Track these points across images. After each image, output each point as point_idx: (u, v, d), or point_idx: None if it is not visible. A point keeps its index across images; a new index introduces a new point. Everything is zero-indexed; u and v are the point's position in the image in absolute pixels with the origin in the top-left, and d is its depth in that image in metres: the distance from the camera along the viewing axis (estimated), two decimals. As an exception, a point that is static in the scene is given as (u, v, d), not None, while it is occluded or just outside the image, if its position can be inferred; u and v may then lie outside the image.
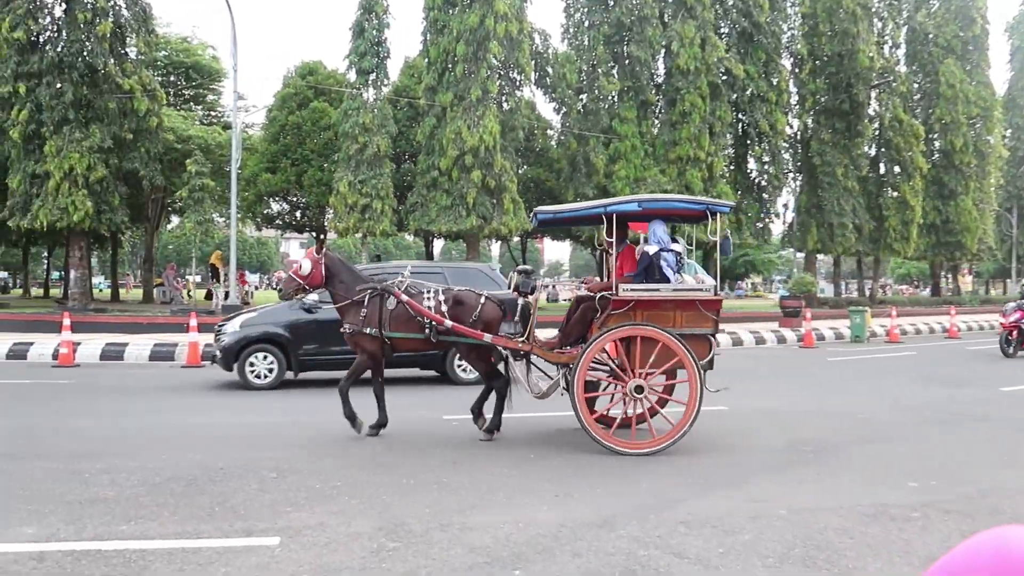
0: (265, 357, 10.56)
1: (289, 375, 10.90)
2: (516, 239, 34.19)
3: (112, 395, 9.91)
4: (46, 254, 67.46)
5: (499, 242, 36.91)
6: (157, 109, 26.15)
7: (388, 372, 9.87)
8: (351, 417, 7.27)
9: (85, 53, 24.59)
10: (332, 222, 26.96)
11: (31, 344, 15.31)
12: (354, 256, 73.23)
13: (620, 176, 27.56)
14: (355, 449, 6.72)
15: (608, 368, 7.07)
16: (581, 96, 29.24)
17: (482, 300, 7.33)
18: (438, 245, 51.24)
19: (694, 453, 6.59)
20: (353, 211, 25.50)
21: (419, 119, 28.50)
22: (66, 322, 14.34)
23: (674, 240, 7.14)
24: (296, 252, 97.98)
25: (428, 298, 7.32)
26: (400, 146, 30.15)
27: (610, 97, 28.93)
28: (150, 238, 34.27)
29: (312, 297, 10.09)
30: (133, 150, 25.93)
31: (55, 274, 64.46)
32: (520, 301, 7.32)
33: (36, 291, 60.70)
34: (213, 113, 36.23)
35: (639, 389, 6.65)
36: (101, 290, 65.75)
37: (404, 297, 7.28)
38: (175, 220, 40.69)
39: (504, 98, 27.25)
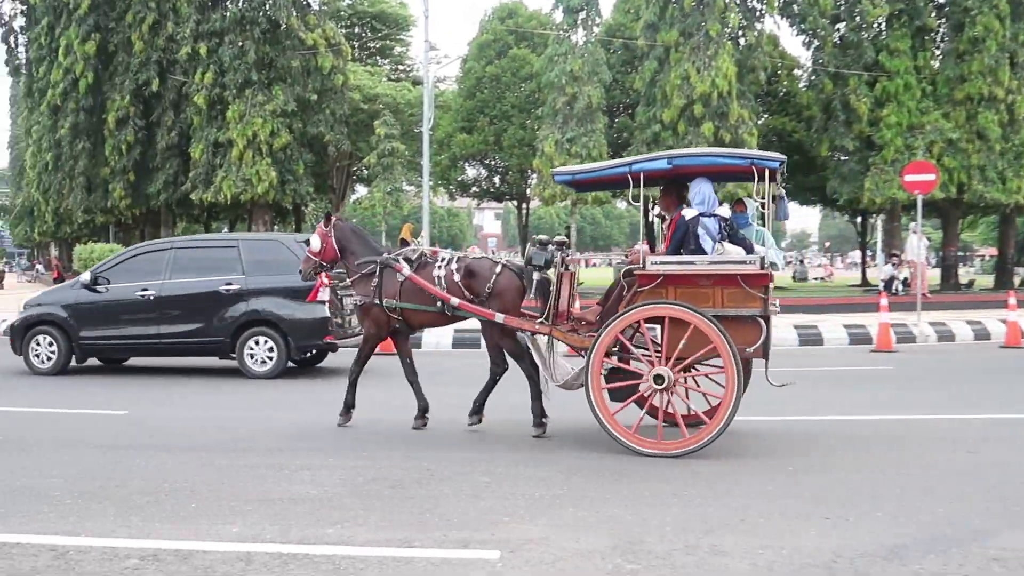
0: (49, 341, 11.48)
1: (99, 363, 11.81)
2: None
3: (317, 387, 10.74)
4: (225, 230, 74.66)
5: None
6: (342, 65, 28.02)
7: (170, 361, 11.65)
8: (349, 405, 8.01)
9: (267, 7, 26.82)
10: (535, 188, 27.53)
11: None
12: (557, 228, 74.15)
13: (889, 123, 25.77)
14: (574, 452, 6.81)
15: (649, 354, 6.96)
16: (838, 26, 27.57)
17: (497, 270, 7.66)
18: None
19: (1005, 473, 6.11)
20: (560, 175, 25.86)
21: (637, 63, 28.31)
22: None
23: (740, 202, 7.22)
24: (490, 224, 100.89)
25: (439, 267, 7.77)
26: (614, 97, 30.12)
27: (876, 25, 27.05)
28: (335, 210, 36.70)
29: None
30: (317, 112, 28.00)
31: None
32: (536, 276, 7.52)
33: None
34: (401, 67, 38.18)
35: (659, 379, 6.77)
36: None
37: (406, 270, 7.84)
38: (360, 190, 43.49)
39: (741, 33, 26.34)
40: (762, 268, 6.76)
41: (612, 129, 29.74)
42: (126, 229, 36.27)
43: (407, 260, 7.97)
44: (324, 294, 11.30)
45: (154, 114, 29.75)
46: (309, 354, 12.06)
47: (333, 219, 8.35)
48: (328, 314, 11.27)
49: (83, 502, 5.45)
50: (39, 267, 63.23)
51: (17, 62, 35.18)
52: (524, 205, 34.73)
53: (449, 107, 32.86)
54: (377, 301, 7.88)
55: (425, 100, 23.53)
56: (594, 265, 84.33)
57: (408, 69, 38.18)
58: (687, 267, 6.86)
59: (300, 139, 27.69)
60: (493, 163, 33.90)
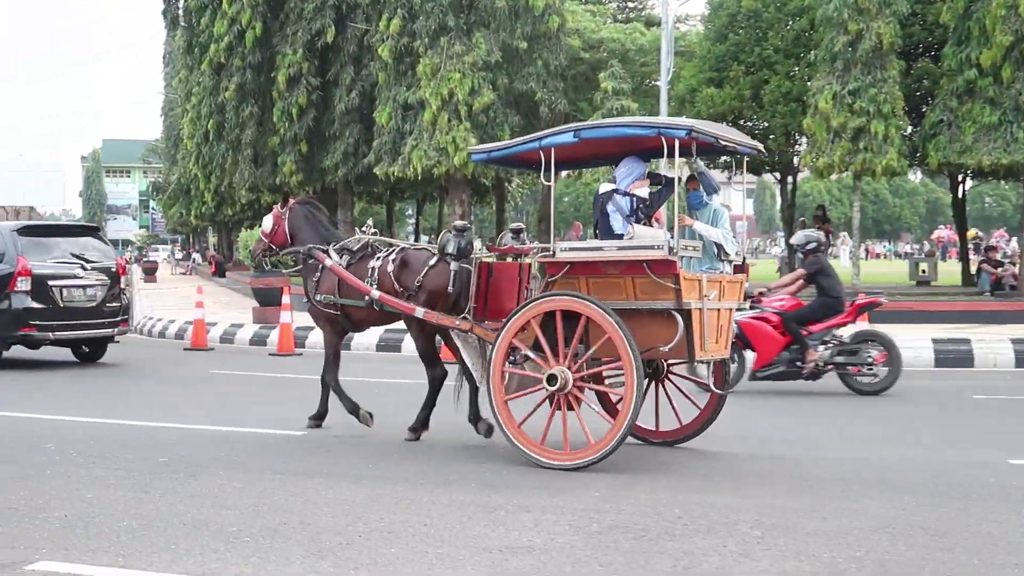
0: None
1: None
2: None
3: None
4: (412, 212, 77.77)
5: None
6: (558, 5, 28.34)
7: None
8: (353, 411, 9.36)
9: (468, -66, 27.61)
10: (806, 155, 26.79)
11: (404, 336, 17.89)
12: (832, 206, 71.87)
13: None
14: (882, 500, 6.57)
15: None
16: None
17: (432, 262, 8.92)
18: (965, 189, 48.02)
19: None
20: (840, 138, 25.04)
21: (947, -13, 26.89)
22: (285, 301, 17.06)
23: (692, 179, 8.82)
24: (737, 202, 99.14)
25: (378, 258, 9.16)
26: (913, 35, 28.72)
27: None
28: (546, 186, 37.22)
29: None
30: (527, 64, 28.52)
31: (424, 238, 73.64)
32: (453, 266, 8.78)
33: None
34: (632, 5, 38.19)
35: (552, 380, 7.82)
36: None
37: (328, 260, 9.36)
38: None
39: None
40: (671, 254, 7.66)
41: (909, 77, 28.41)
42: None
43: (347, 251, 9.38)
44: (23, 284, 14.75)
45: (331, 71, 31.40)
46: (85, 348, 16.46)
47: (291, 202, 10.02)
48: (28, 305, 14.83)
49: (265, 540, 5.81)
50: (196, 257, 68.44)
51: (175, 13, 37.84)
52: (790, 179, 33.71)
53: (693, 53, 32.54)
54: (319, 297, 9.41)
55: (663, 46, 23.46)
56: (877, 256, 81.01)
57: (640, 7, 38.21)
58: (595, 253, 7.95)
59: (505, 97, 28.34)
60: (750, 124, 33.28)
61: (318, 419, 9.67)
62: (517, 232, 9.10)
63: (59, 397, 12.45)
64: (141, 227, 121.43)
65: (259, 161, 33.40)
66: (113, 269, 16.08)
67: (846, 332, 13.05)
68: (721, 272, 8.66)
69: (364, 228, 9.68)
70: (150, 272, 50.94)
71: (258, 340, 20.65)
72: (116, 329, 16.16)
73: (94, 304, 15.62)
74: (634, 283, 7.94)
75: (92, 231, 17.68)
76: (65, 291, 15.30)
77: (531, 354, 8.11)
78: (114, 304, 15.97)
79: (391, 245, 9.39)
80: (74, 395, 12.70)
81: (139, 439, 9.05)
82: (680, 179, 8.45)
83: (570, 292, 7.98)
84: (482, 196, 43.39)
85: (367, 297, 9.05)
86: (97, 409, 11.02)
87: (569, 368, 7.85)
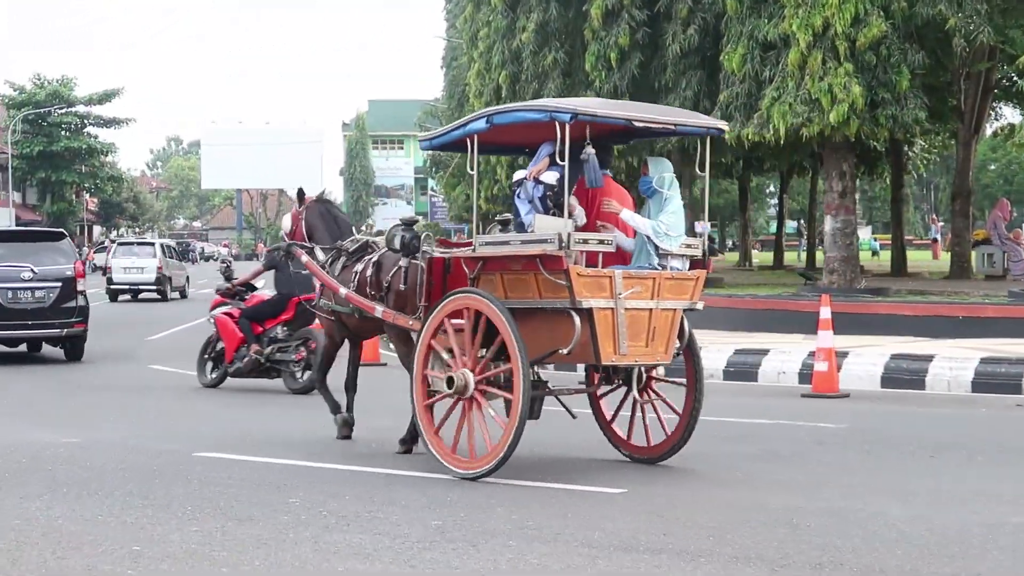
0: None
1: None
2: None
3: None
4: (773, 188, 76.85)
5: None
6: None
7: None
8: (336, 412, 12.31)
9: None
10: None
11: (763, 354, 18.00)
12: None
13: None
14: None
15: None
16: None
17: (401, 263, 11.26)
18: None
19: None
20: None
21: None
22: (824, 314, 16.24)
23: (644, 164, 10.69)
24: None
25: (364, 260, 11.81)
26: None
27: None
28: (964, 151, 35.90)
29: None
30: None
31: (790, 224, 72.86)
32: (402, 263, 11.20)
33: (763, 255, 69.32)
34: None
35: (450, 383, 10.08)
36: (876, 253, 71.72)
37: (304, 257, 12.32)
38: (1010, 113, 42.08)
39: None
40: (560, 248, 9.49)
41: None
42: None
43: (344, 252, 12.08)
44: None
45: (660, 1, 31.44)
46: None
47: (307, 199, 12.68)
48: None
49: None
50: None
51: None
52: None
53: None
54: (322, 301, 12.23)
55: None
56: None
57: None
58: (501, 248, 10.12)
59: (903, 28, 27.41)
60: None
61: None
62: (505, 224, 10.86)
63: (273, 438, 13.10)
64: (418, 214, 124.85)
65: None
66: (68, 273, 21.68)
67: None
68: (671, 268, 10.31)
69: (364, 227, 11.40)
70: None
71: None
72: (67, 330, 21.61)
73: (44, 306, 21.25)
74: (536, 280, 9.85)
75: (57, 237, 23.75)
76: (11, 293, 20.94)
77: (444, 355, 10.31)
78: (68, 305, 21.50)
79: (377, 244, 11.79)
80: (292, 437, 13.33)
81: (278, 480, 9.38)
82: (587, 160, 10.09)
83: (472, 290, 10.18)
84: (872, 165, 42.32)
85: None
86: (275, 447, 11.59)
87: (473, 371, 9.98)
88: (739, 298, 26.11)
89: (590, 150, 10.13)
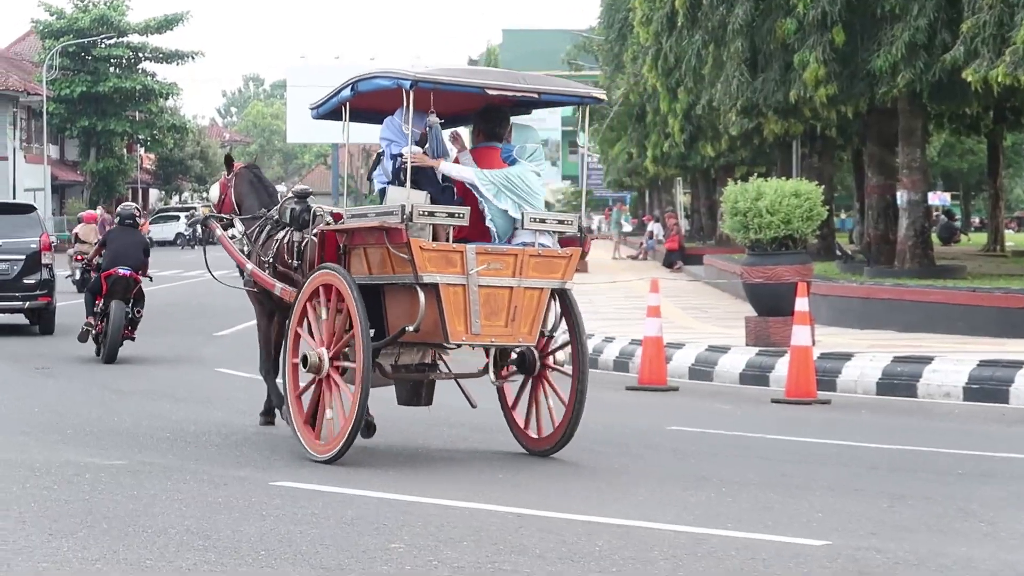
0: None
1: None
2: None
3: None
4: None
5: None
6: None
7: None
8: (271, 410, 14.70)
9: None
10: None
11: (1017, 367, 17.85)
12: None
13: None
14: None
15: None
16: None
17: (295, 238, 13.84)
18: None
19: None
20: None
21: None
22: None
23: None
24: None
25: (308, 232, 13.71)
26: None
27: None
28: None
29: None
30: None
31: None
32: (295, 237, 13.75)
33: (1020, 237, 68.39)
34: None
35: (304, 361, 12.52)
36: None
37: (219, 230, 15.22)
38: None
39: None
40: (402, 220, 11.63)
41: None
42: (825, 145, 38.58)
43: (270, 221, 14.47)
44: None
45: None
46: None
47: (236, 165, 15.41)
48: None
49: None
50: (655, 229, 70.15)
51: None
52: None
53: None
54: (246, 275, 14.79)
55: None
56: None
57: None
58: (360, 220, 12.50)
59: None
60: None
61: None
62: (304, 196, 14.23)
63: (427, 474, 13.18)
64: (564, 178, 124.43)
65: (759, 64, 33.61)
66: (33, 246, 28.04)
67: None
68: (536, 245, 12.37)
69: (285, 188, 13.22)
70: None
71: (754, 375, 21.08)
72: (29, 303, 28.01)
73: (7, 278, 27.61)
74: (389, 254, 12.00)
75: (25, 209, 31.52)
76: None
77: (302, 332, 12.76)
78: (31, 279, 27.86)
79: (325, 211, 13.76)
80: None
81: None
82: (431, 128, 12.40)
83: (329, 265, 12.50)
84: None
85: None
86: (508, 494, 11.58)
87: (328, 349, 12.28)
88: (986, 293, 25.48)
89: (433, 119, 12.33)
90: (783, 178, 25.81)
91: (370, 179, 13.56)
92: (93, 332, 23.26)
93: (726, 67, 34.27)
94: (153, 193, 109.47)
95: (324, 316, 12.42)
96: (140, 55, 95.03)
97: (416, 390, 13.45)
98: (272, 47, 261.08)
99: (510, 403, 13.62)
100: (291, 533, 9.33)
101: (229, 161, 15.75)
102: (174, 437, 14.38)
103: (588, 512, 10.34)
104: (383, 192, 12.87)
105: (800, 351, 18.40)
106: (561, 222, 12.79)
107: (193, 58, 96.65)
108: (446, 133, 12.92)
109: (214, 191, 15.99)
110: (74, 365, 22.89)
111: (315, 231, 13.34)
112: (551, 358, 13.19)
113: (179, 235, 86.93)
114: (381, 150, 12.88)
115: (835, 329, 25.48)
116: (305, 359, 12.45)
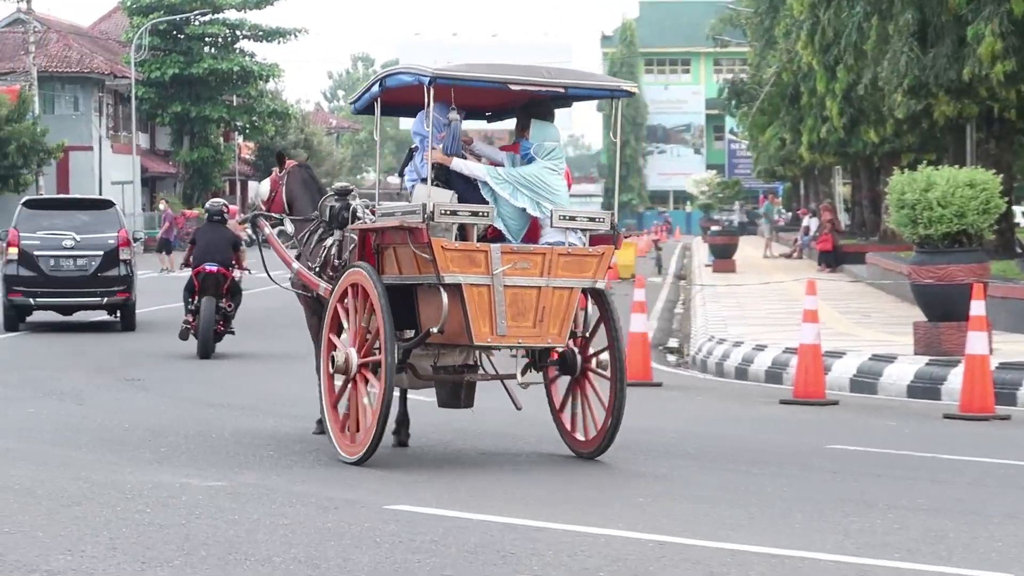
0: None
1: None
2: None
3: None
4: None
5: None
6: None
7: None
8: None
9: None
10: None
11: None
12: None
13: None
14: None
15: None
16: None
17: (335, 236, 14.87)
18: None
19: None
20: None
21: None
22: None
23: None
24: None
25: (347, 231, 14.72)
26: None
27: None
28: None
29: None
30: None
31: None
32: (335, 236, 14.85)
33: None
34: None
35: (333, 362, 13.73)
36: None
37: (267, 230, 16.33)
38: None
39: None
40: (423, 220, 12.57)
41: None
42: (1003, 129, 38.22)
43: (322, 223, 15.24)
44: (11, 254, 28.44)
45: None
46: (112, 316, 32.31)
47: (288, 163, 16.40)
48: (14, 273, 29.33)
49: None
50: (810, 225, 69.64)
51: None
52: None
53: None
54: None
55: None
56: None
57: None
58: (387, 219, 13.53)
59: None
60: None
61: None
62: (344, 194, 15.00)
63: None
64: (709, 167, 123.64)
65: (928, 38, 33.33)
66: (111, 242, 31.30)
67: None
68: (567, 244, 13.25)
69: (333, 188, 15.00)
70: (723, 253, 52.85)
71: (924, 387, 20.93)
72: (108, 299, 31.20)
73: (86, 274, 30.96)
74: (415, 253, 12.92)
75: (104, 205, 34.91)
76: (53, 261, 30.67)
77: (336, 341, 13.84)
78: (110, 274, 31.05)
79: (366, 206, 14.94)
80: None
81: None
82: (448, 125, 13.53)
83: (359, 265, 13.61)
84: None
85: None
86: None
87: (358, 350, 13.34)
88: None
89: (453, 115, 13.43)
90: (956, 166, 25.53)
91: (401, 175, 14.73)
92: (191, 330, 24.76)
93: (891, 42, 34.02)
94: (252, 186, 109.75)
95: (353, 316, 13.52)
96: (237, 33, 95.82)
97: (455, 392, 14.38)
98: (383, 23, 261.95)
99: (557, 405, 14.45)
100: (408, 562, 9.36)
101: (281, 158, 16.93)
102: (277, 456, 14.51)
103: (737, 540, 10.30)
104: (412, 190, 14.00)
105: (976, 361, 18.29)
106: (592, 220, 13.68)
107: (296, 36, 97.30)
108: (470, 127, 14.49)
109: (264, 186, 17.10)
110: (166, 375, 23.36)
111: (351, 229, 14.45)
112: (593, 360, 13.91)
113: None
114: (414, 145, 14.20)
115: (1015, 336, 25.18)
116: (333, 360, 13.65)
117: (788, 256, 65.28)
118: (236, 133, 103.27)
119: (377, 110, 14.43)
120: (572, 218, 13.42)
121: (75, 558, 9.33)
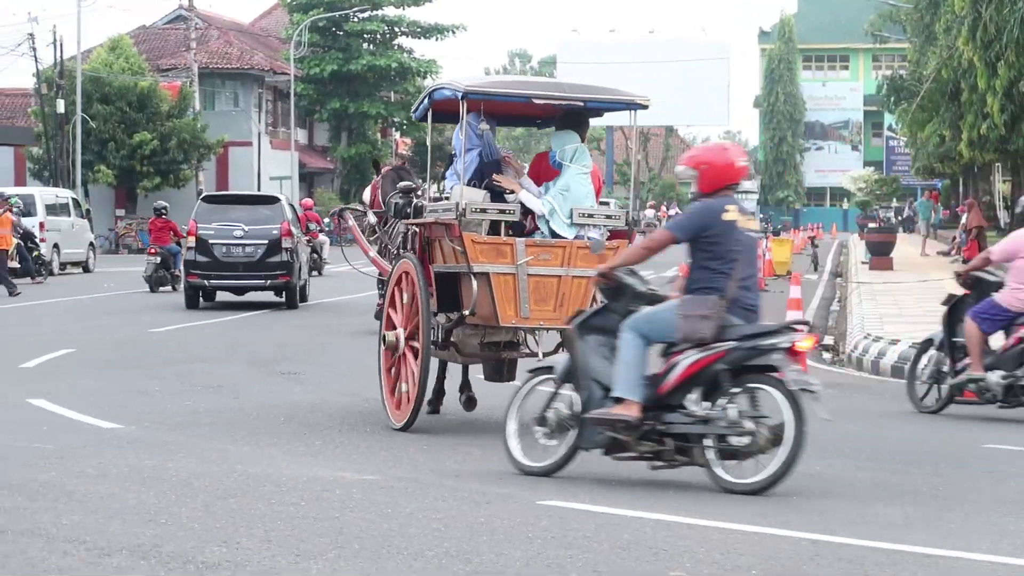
0: None
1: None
2: None
3: None
4: None
5: None
6: None
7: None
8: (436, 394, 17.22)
9: None
10: None
11: None
12: None
13: None
14: None
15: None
16: None
17: (400, 228, 17.08)
18: None
19: None
20: None
21: None
22: None
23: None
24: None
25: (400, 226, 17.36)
26: None
27: None
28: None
29: None
30: None
31: None
32: (401, 228, 17.00)
33: None
34: None
35: (384, 340, 16.18)
36: None
37: (350, 220, 19.39)
38: None
39: None
40: (456, 217, 14.84)
41: None
42: None
43: (396, 208, 16.92)
44: (190, 242, 37.32)
45: None
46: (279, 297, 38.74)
47: (384, 166, 18.60)
48: (193, 258, 36.98)
49: None
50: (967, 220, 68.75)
51: None
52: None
53: None
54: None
55: None
56: None
57: None
58: (434, 215, 15.66)
59: None
60: None
61: None
62: (408, 192, 17.00)
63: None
64: (867, 164, 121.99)
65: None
66: (275, 233, 36.91)
67: None
68: (587, 238, 15.05)
69: (399, 187, 16.70)
70: (880, 250, 52.33)
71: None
72: (271, 281, 37.23)
73: (253, 260, 36.79)
74: (452, 245, 15.06)
75: (270, 200, 41.43)
76: (224, 248, 36.62)
77: (394, 319, 15.97)
78: (273, 260, 36.71)
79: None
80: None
81: None
82: (481, 135, 15.87)
83: (407, 254, 15.92)
84: None
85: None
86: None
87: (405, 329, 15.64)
88: None
89: (484, 126, 15.70)
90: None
91: (443, 178, 16.87)
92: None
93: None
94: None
95: (405, 300, 15.69)
96: (396, 29, 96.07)
97: (499, 368, 16.43)
98: (541, 19, 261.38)
99: None
100: (560, 558, 9.41)
101: (376, 164, 19.87)
102: (431, 450, 14.67)
103: (892, 540, 10.28)
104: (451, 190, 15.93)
105: None
106: (609, 216, 15.90)
107: (454, 32, 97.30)
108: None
109: (366, 194, 19.95)
110: (322, 369, 23.66)
111: (405, 223, 16.70)
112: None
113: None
114: (454, 152, 16.41)
115: None
116: (384, 338, 15.92)
117: (946, 254, 64.41)
118: (393, 129, 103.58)
119: (428, 118, 17.08)
120: (590, 216, 15.46)
121: (230, 550, 9.51)
